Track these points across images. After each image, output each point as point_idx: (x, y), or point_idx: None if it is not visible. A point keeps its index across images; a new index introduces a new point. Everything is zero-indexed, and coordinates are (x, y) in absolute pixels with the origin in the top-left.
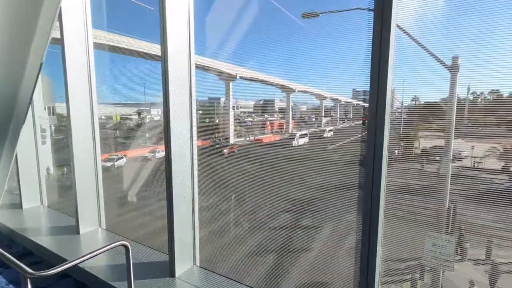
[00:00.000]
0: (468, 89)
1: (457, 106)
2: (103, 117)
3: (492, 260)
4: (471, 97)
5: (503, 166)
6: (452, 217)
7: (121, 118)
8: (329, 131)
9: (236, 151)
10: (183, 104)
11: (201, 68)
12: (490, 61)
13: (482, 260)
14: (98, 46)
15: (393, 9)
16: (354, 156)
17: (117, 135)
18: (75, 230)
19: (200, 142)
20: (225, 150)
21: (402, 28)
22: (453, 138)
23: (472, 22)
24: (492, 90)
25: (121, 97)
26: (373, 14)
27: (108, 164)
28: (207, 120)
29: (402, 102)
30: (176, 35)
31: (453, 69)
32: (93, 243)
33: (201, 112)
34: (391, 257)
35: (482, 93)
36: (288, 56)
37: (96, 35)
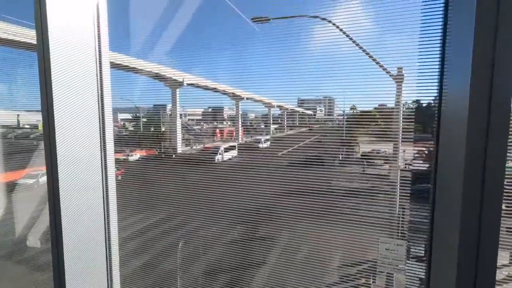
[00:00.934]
0: (396, 99)
1: (388, 114)
2: (26, 126)
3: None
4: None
5: (428, 168)
6: (402, 221)
7: None
8: (266, 140)
9: (119, 177)
10: (83, 112)
11: (139, 71)
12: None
13: (423, 257)
14: None
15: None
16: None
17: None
18: None
19: (144, 152)
20: None
21: (351, 38)
22: (400, 144)
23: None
24: (414, 100)
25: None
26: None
27: (30, 181)
28: (152, 129)
29: (344, 110)
30: (67, 17)
31: (398, 79)
32: None
33: (145, 120)
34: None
35: (406, 102)
36: (238, 63)
37: None
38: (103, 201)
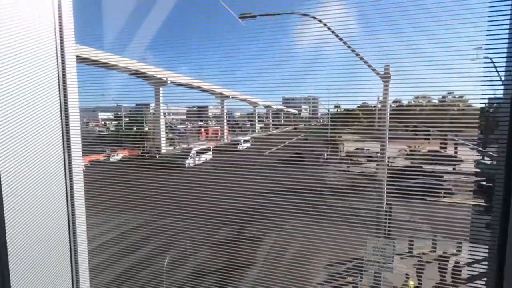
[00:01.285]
0: (378, 98)
1: (370, 113)
2: None
3: (417, 253)
4: (379, 105)
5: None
6: (389, 219)
7: None
8: (245, 141)
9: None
10: (37, 111)
11: (121, 69)
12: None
13: (407, 253)
14: None
15: None
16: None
17: None
18: None
19: (127, 152)
20: None
21: (340, 37)
22: (387, 142)
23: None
24: (395, 99)
25: None
26: None
27: None
28: (135, 128)
29: (329, 109)
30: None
31: (385, 77)
32: None
33: (127, 119)
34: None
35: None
36: (224, 61)
37: None
38: (68, 209)
